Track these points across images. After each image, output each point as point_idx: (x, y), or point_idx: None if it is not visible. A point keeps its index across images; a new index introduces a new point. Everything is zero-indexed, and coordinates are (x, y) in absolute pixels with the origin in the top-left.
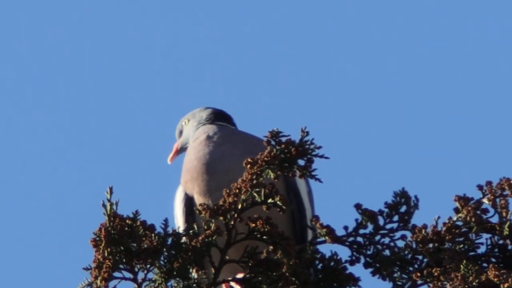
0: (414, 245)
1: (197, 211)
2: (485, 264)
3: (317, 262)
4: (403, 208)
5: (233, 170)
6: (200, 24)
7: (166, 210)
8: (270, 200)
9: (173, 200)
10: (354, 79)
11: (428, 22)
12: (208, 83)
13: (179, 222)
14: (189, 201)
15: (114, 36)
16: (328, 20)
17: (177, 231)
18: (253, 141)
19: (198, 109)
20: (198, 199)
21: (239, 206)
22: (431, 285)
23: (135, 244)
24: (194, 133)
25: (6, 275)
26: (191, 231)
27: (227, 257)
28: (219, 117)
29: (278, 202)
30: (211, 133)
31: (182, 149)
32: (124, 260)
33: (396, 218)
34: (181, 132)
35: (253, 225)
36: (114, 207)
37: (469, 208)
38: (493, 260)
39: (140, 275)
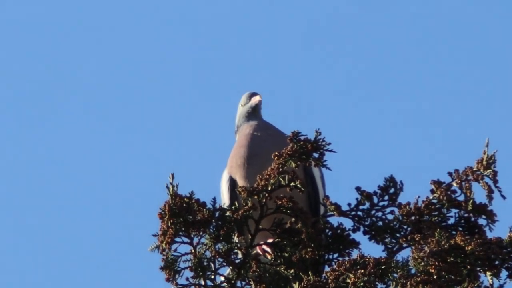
0: (400, 217)
1: (238, 192)
2: (454, 232)
3: (327, 230)
4: (391, 190)
5: (266, 162)
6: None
7: (214, 190)
8: (292, 184)
9: (220, 180)
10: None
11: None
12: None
13: (224, 199)
14: (232, 182)
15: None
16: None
17: (222, 206)
18: (281, 138)
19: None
20: (240, 182)
21: (269, 188)
22: (413, 247)
23: (191, 217)
24: (244, 123)
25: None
26: (233, 207)
27: (260, 227)
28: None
29: (298, 185)
30: (255, 129)
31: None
32: (183, 229)
33: (386, 197)
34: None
35: (280, 202)
36: (175, 188)
37: (442, 190)
38: (460, 229)
39: (195, 240)
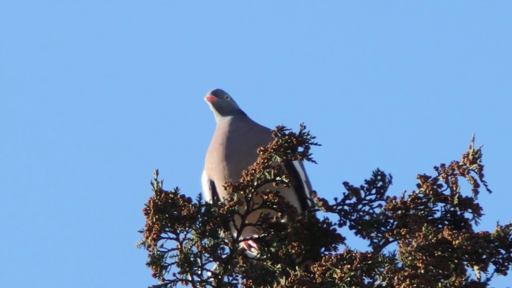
0: (386, 212)
1: (223, 187)
2: (440, 226)
3: (313, 225)
4: (379, 184)
5: (241, 162)
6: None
7: (198, 186)
8: (278, 178)
9: (200, 180)
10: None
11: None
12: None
13: (206, 198)
14: (212, 183)
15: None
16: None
17: (208, 202)
18: (262, 135)
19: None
20: (217, 183)
21: (255, 183)
22: (400, 241)
23: (176, 212)
24: (218, 122)
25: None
26: (219, 203)
27: (246, 222)
28: (239, 112)
29: (284, 179)
30: (224, 130)
31: (216, 105)
32: (168, 224)
33: (374, 191)
34: (220, 96)
35: (266, 197)
36: (160, 184)
37: (428, 184)
38: (446, 222)
39: (181, 236)
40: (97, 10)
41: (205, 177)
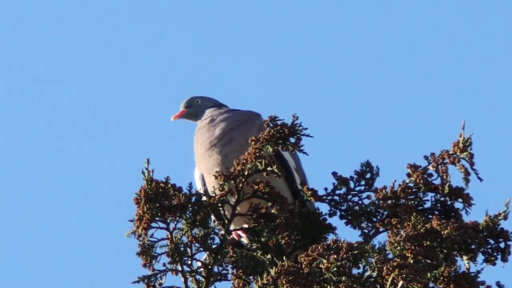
0: (377, 202)
1: (214, 176)
2: (430, 216)
3: (303, 215)
4: (368, 175)
5: (222, 148)
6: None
7: (190, 175)
8: (269, 168)
9: (194, 176)
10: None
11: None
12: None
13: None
14: (203, 177)
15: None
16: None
17: (199, 191)
18: (237, 117)
19: (206, 96)
20: (206, 175)
21: (246, 173)
22: (390, 231)
23: (167, 202)
24: (200, 118)
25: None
26: (210, 192)
27: (236, 211)
28: (219, 106)
29: (275, 170)
30: (207, 120)
31: (187, 116)
32: (159, 214)
33: (363, 182)
34: (190, 105)
35: (256, 187)
36: (151, 173)
37: (418, 173)
38: (436, 212)
39: (171, 225)
40: (98, 11)
41: (197, 173)
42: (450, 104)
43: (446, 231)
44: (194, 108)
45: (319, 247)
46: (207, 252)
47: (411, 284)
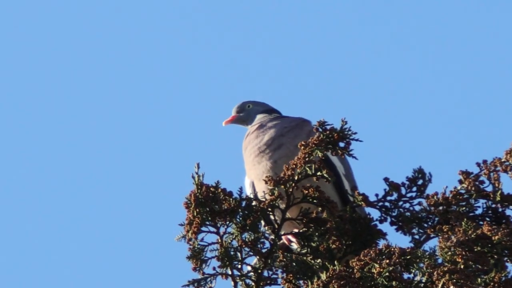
0: (428, 208)
1: (264, 182)
2: (481, 222)
3: (354, 220)
4: (420, 181)
5: (270, 154)
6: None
7: (239, 180)
8: (319, 173)
9: (244, 184)
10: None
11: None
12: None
13: None
14: (253, 184)
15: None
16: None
17: (249, 196)
18: (285, 124)
19: (258, 101)
20: (256, 182)
21: (296, 178)
22: (440, 237)
23: (217, 206)
24: (251, 123)
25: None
26: (260, 197)
27: (286, 216)
28: (270, 111)
29: (325, 175)
30: (257, 126)
31: (238, 121)
32: (209, 218)
33: (415, 189)
34: (242, 110)
35: (306, 192)
36: (201, 178)
37: (470, 180)
38: (487, 219)
39: (221, 230)
40: (102, 12)
41: (247, 181)
42: (504, 112)
43: (496, 237)
44: (245, 113)
45: (371, 252)
46: (257, 257)
47: None
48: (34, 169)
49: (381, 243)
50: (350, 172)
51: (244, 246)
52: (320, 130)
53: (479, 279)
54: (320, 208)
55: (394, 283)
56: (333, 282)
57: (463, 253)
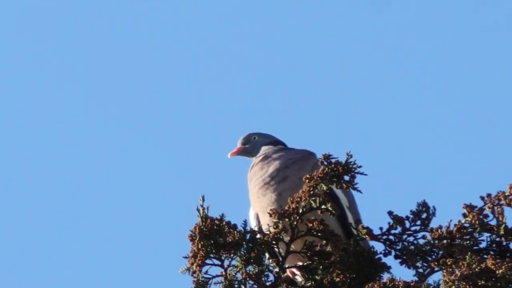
0: (432, 241)
1: (268, 215)
2: (485, 256)
3: (358, 253)
4: (424, 215)
5: (275, 187)
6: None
7: (244, 212)
8: (323, 206)
9: (249, 212)
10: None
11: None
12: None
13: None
14: (257, 216)
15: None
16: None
17: (253, 229)
18: (290, 156)
19: (263, 133)
20: (261, 215)
21: (300, 211)
22: (444, 271)
23: (222, 239)
24: (256, 154)
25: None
26: (264, 229)
27: (291, 249)
28: (275, 143)
29: (329, 208)
30: (261, 158)
31: (243, 153)
32: (213, 251)
33: (419, 222)
34: (247, 142)
35: (311, 225)
36: (206, 210)
37: (474, 214)
38: (492, 252)
39: (226, 262)
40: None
41: (251, 213)
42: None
43: (500, 271)
44: (251, 145)
45: (376, 286)
46: None
47: None
48: (34, 169)
49: (385, 277)
50: (354, 205)
51: (248, 279)
52: (325, 163)
53: None
54: (324, 241)
55: None
56: None
57: (467, 287)
